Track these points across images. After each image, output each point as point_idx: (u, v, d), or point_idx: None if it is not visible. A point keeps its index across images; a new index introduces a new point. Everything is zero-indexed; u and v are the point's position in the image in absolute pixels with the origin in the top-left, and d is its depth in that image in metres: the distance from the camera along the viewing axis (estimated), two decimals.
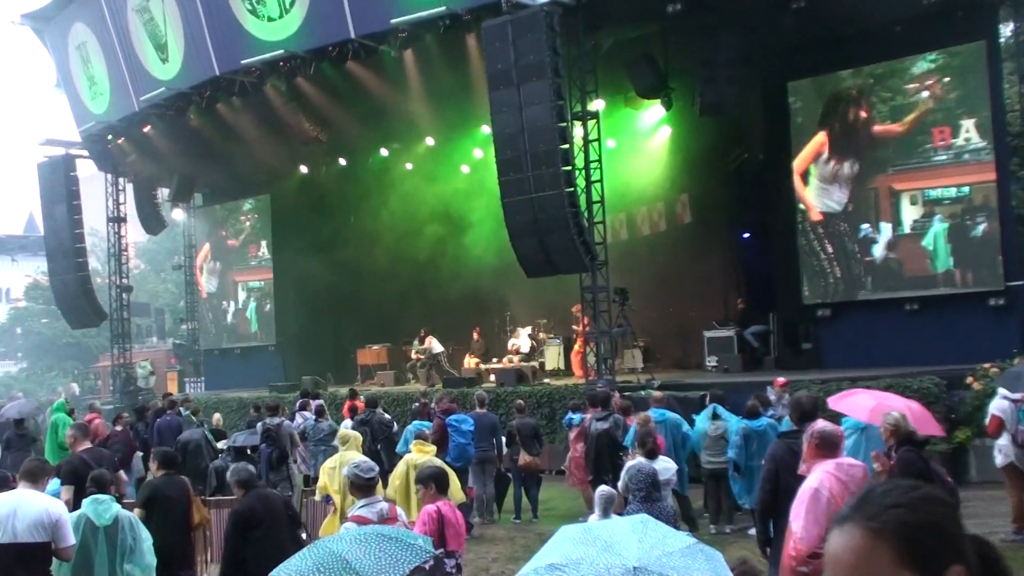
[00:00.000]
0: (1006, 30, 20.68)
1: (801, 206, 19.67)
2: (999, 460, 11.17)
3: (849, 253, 19.08)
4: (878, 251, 18.72)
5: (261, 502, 7.75)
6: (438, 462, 9.84)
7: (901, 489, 1.93)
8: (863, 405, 9.06)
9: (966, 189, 17.80)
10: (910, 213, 18.40)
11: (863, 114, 18.90)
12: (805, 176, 19.63)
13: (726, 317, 21.80)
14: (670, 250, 22.91)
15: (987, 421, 11.31)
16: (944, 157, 18.02)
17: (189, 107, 23.62)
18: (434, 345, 24.59)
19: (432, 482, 7.20)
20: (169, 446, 13.73)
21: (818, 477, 5.98)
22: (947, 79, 18.07)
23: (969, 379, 14.97)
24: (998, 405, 11.09)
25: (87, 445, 10.46)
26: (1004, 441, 11.01)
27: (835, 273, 19.35)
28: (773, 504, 7.24)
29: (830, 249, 19.36)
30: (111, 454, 12.02)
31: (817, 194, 19.46)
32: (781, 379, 14.73)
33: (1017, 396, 10.90)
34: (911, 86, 18.44)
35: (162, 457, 9.18)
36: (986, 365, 14.88)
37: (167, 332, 43.55)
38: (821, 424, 6.39)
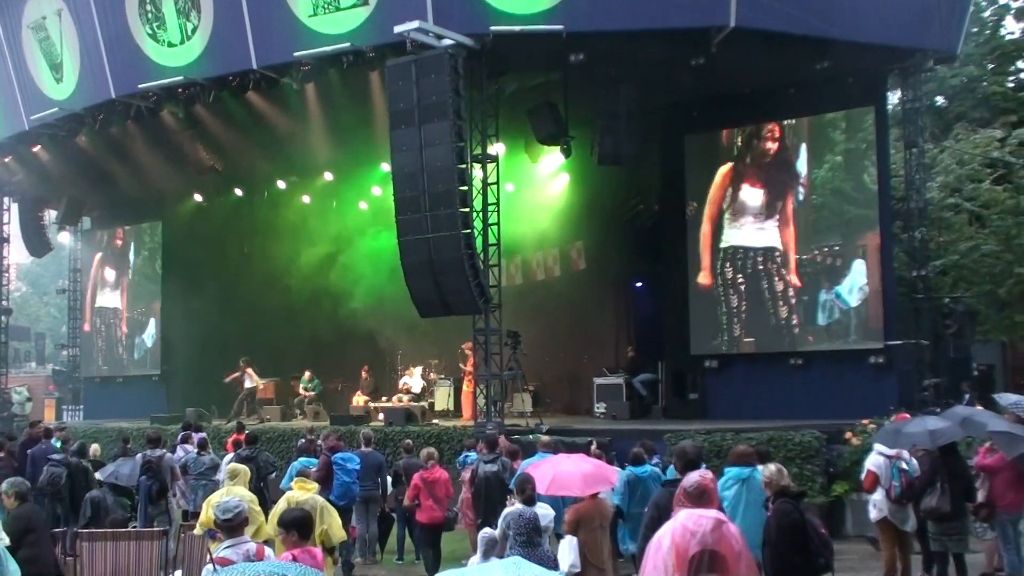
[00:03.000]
0: (894, 97, 21.46)
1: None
2: (873, 514, 11.45)
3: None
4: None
5: (36, 513, 8.65)
6: (320, 500, 9.70)
7: None
8: (543, 478, 9.52)
9: None
10: None
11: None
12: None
13: (616, 364, 21.99)
14: (563, 296, 23.07)
15: (863, 476, 11.57)
16: None
17: (82, 129, 22.91)
18: (248, 379, 24.27)
19: (294, 528, 6.93)
20: (40, 475, 13.36)
21: (668, 526, 6.01)
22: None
23: (848, 434, 15.33)
24: (874, 461, 11.36)
25: None
26: (879, 496, 11.28)
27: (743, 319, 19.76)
28: None
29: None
30: None
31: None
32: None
33: (892, 453, 11.19)
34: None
35: None
36: (864, 421, 15.27)
37: (47, 358, 42.22)
38: (692, 475, 6.42)
